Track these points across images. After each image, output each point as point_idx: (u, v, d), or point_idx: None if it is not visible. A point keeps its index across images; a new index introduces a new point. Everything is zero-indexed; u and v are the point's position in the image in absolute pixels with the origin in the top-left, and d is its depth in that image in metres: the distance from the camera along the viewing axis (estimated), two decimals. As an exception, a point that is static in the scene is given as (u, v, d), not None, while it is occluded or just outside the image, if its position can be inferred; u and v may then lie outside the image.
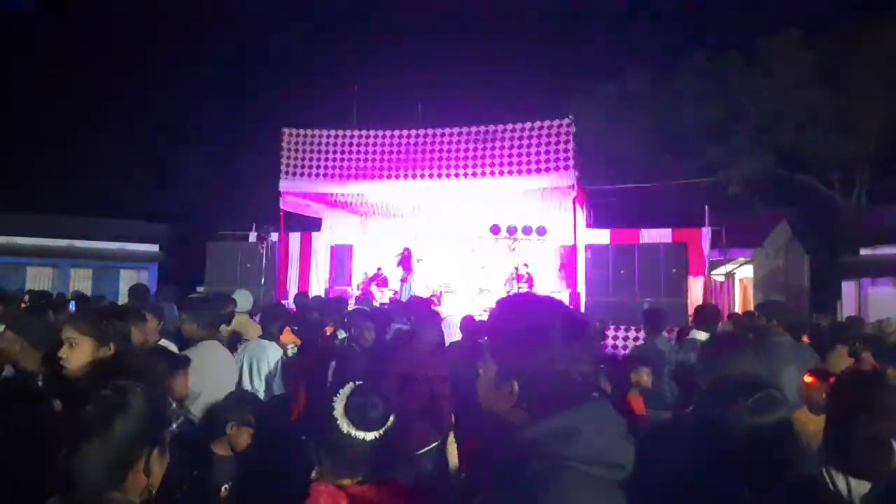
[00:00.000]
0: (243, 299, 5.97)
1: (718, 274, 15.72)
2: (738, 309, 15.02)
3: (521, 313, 1.34)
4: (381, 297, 14.00)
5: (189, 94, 23.68)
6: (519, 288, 12.90)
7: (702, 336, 4.62)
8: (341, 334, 5.86)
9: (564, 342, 1.26)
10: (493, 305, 1.41)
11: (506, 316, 1.36)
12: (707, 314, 4.86)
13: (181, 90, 23.78)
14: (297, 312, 7.86)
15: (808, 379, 3.42)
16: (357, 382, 1.60)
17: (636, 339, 9.16)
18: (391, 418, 1.61)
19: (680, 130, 19.31)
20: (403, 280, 13.44)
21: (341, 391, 1.58)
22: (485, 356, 1.34)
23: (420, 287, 13.95)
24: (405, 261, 13.50)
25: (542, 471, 1.18)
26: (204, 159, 22.70)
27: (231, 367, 3.85)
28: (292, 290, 13.50)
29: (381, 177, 11.65)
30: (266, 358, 4.47)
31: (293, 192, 12.28)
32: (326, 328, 5.73)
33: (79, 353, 2.34)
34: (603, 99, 20.40)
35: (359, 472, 1.60)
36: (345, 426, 1.56)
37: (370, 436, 1.58)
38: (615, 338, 9.81)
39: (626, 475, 1.22)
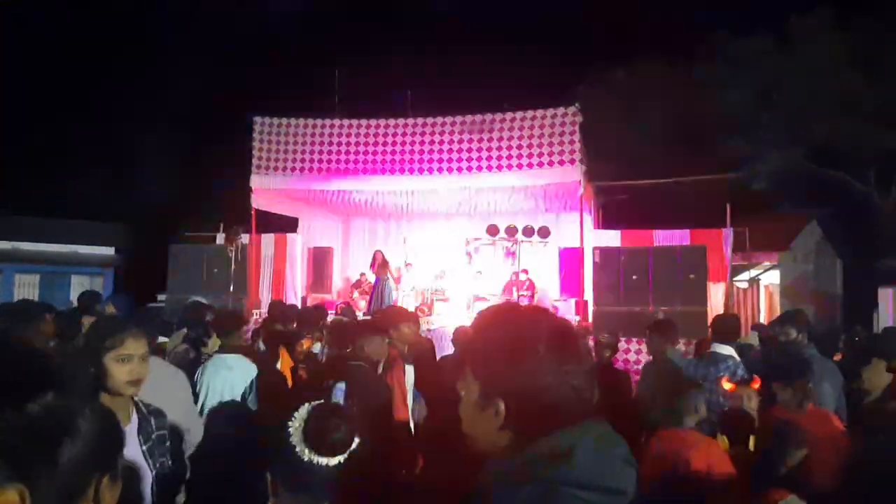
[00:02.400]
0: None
1: (741, 280, 15.78)
2: (763, 319, 15.06)
3: (502, 324, 1.33)
4: (365, 306, 13.97)
5: (148, 79, 23.61)
6: (519, 296, 12.91)
7: (724, 350, 4.62)
8: (316, 347, 5.85)
9: (552, 354, 1.25)
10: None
11: (486, 328, 1.36)
12: (727, 326, 4.85)
13: (139, 74, 23.71)
14: (267, 322, 7.85)
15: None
16: (314, 403, 1.57)
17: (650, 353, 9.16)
18: (356, 440, 1.57)
19: (699, 120, 19.35)
20: (374, 286, 13.41)
21: (297, 414, 1.55)
22: (465, 374, 1.32)
23: (408, 295, 13.93)
24: (377, 265, 13.49)
25: (532, 498, 1.17)
26: (166, 152, 22.60)
27: (178, 388, 3.79)
28: (265, 297, 13.44)
29: (365, 172, 11.65)
30: (229, 377, 4.36)
31: (266, 188, 12.25)
32: (303, 341, 5.71)
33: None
34: (613, 85, 20.46)
35: (323, 502, 1.57)
36: (305, 452, 1.53)
37: (334, 461, 1.56)
38: (626, 351, 9.80)
39: (628, 503, 1.20)
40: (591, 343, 6.34)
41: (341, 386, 3.66)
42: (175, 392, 3.27)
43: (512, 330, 1.31)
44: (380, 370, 4.11)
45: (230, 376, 4.28)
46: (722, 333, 4.77)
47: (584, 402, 1.26)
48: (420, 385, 4.66)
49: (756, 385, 3.93)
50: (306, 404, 1.60)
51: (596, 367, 5.77)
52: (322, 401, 1.62)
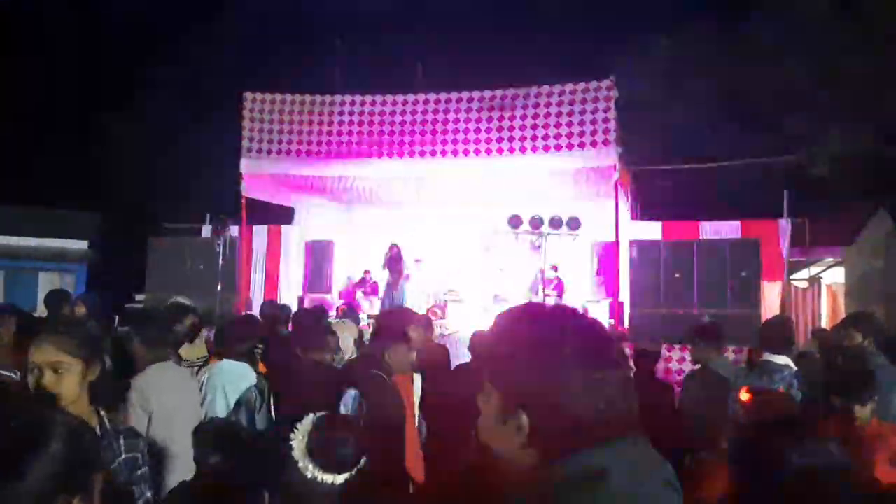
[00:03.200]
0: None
1: (800, 279, 15.67)
2: (825, 323, 14.94)
3: (525, 328, 1.33)
4: (370, 307, 14.04)
5: (125, 49, 23.69)
6: (546, 296, 12.90)
7: (779, 360, 4.61)
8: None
9: (581, 361, 1.25)
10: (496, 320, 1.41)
11: (506, 332, 1.36)
12: (776, 333, 4.82)
13: (115, 43, 23.81)
14: (263, 327, 7.92)
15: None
16: (319, 414, 1.59)
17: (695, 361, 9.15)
18: (364, 457, 1.59)
19: (752, 95, 19.20)
20: (391, 287, 13.47)
21: (300, 426, 1.57)
22: (484, 385, 1.33)
23: (418, 295, 13.97)
24: (393, 261, 13.53)
25: None
26: (145, 133, 22.71)
27: (191, 395, 3.92)
28: (257, 298, 13.53)
29: (370, 155, 11.68)
30: (237, 386, 4.41)
31: (257, 173, 12.32)
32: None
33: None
34: (654, 55, 20.33)
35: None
36: (308, 469, 1.56)
37: (340, 479, 1.57)
38: (667, 360, 9.78)
39: None
40: (627, 350, 6.34)
41: (353, 393, 3.68)
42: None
43: (535, 334, 1.31)
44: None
45: (236, 385, 4.39)
46: (771, 342, 4.76)
47: (618, 416, 1.25)
48: (432, 398, 4.69)
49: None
50: (311, 415, 1.61)
51: (634, 377, 5.79)
52: (327, 412, 1.64)
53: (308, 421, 1.61)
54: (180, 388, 3.81)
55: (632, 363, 5.78)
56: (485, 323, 11.52)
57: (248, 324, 5.37)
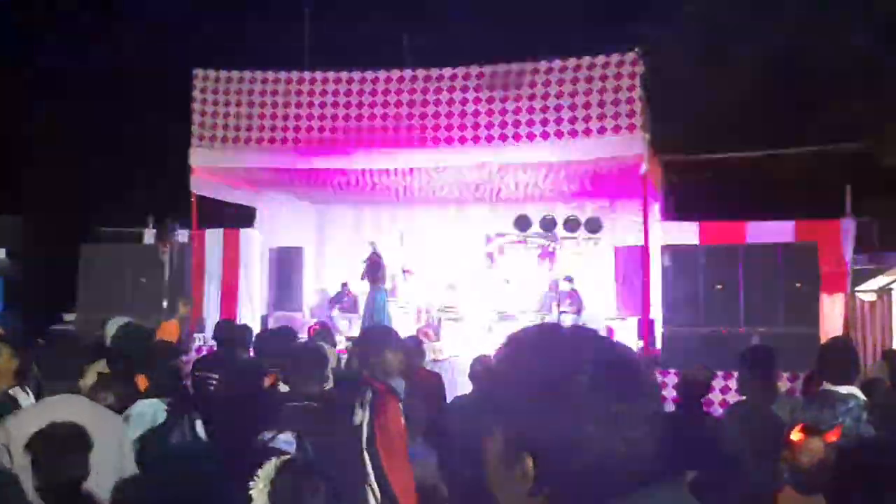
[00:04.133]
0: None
1: (867, 290, 15.65)
2: (896, 343, 14.96)
3: (533, 353, 1.33)
4: (349, 327, 14.02)
5: (49, 19, 23.65)
6: (560, 313, 12.91)
7: (844, 390, 4.61)
8: (284, 387, 5.86)
9: (598, 394, 1.24)
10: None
11: (512, 358, 1.36)
12: (835, 361, 4.82)
13: (36, 12, 23.77)
14: (216, 352, 7.91)
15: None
16: (283, 458, 1.58)
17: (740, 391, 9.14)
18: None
19: (806, 73, 19.27)
20: (370, 300, 13.44)
21: (261, 472, 1.56)
22: (486, 419, 1.34)
23: (407, 313, 13.95)
24: (372, 269, 13.50)
25: None
26: (74, 118, 22.65)
27: (108, 437, 3.85)
28: (212, 316, 13.50)
29: (347, 144, 11.68)
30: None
31: (211, 167, 12.33)
32: (266, 377, 5.74)
33: None
34: (688, 25, 20.40)
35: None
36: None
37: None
38: (713, 389, 9.77)
39: None
40: (658, 378, 6.34)
41: (286, 438, 3.67)
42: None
43: (544, 362, 1.30)
44: (359, 415, 4.13)
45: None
46: (831, 371, 4.75)
47: (645, 459, 1.24)
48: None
49: (833, 437, 3.94)
50: (273, 460, 1.61)
51: (678, 411, 5.79)
52: (290, 456, 1.63)
53: (270, 467, 1.60)
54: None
55: (674, 394, 5.76)
56: (488, 346, 11.56)
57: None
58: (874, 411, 4.46)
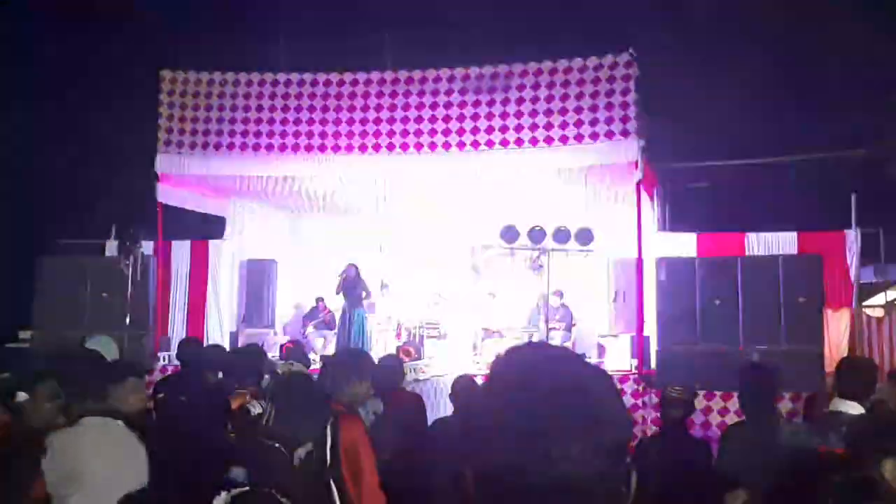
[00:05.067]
0: (105, 352, 5.96)
1: (873, 305, 15.73)
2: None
3: (495, 373, 1.37)
4: (324, 345, 13.97)
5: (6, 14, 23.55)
6: (549, 329, 12.90)
7: (852, 409, 4.60)
8: (255, 408, 5.83)
9: (530, 418, 1.25)
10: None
11: (491, 379, 1.39)
12: (858, 374, 4.82)
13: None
14: (181, 372, 7.86)
15: None
16: (238, 490, 1.56)
17: (740, 412, 9.13)
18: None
19: (810, 79, 19.40)
20: (344, 318, 13.41)
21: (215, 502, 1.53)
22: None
23: (385, 330, 13.92)
24: (349, 285, 13.46)
25: None
26: (32, 121, 22.55)
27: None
28: (177, 334, 13.43)
29: (322, 149, 11.68)
30: None
31: (178, 174, 12.29)
32: (234, 398, 5.72)
33: None
34: (686, 27, 20.51)
35: None
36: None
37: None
38: (706, 410, 9.78)
39: None
40: (654, 399, 6.33)
41: (240, 472, 3.65)
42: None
43: (495, 381, 1.35)
44: (330, 447, 4.13)
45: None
46: (850, 385, 4.74)
47: (589, 483, 1.24)
48: (399, 462, 4.66)
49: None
50: (223, 493, 1.58)
51: (660, 432, 5.76)
52: (248, 487, 1.60)
53: (221, 500, 1.57)
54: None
55: (657, 414, 5.74)
56: (473, 364, 11.53)
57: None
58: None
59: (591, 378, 1.33)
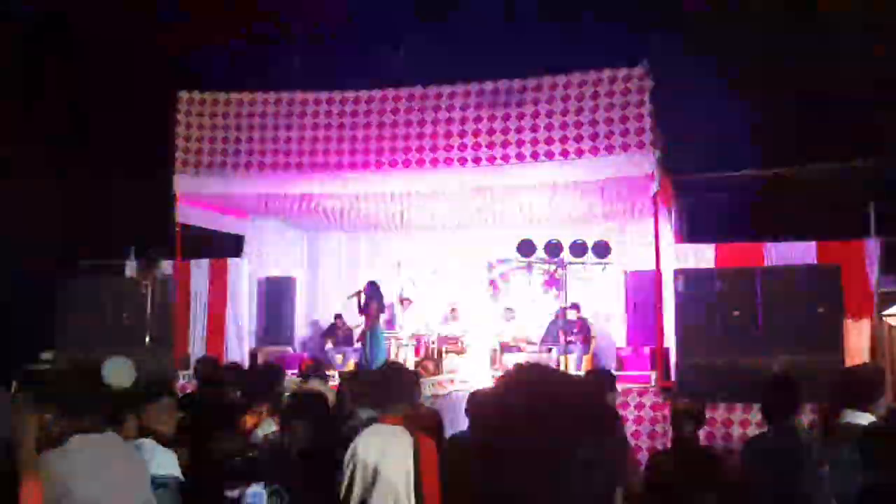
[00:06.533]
0: (119, 373, 6.01)
1: (894, 314, 15.61)
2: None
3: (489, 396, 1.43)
4: (343, 361, 13.99)
5: (19, 35, 23.70)
6: (567, 343, 12.88)
7: (864, 420, 4.57)
8: (269, 426, 5.85)
9: (496, 451, 1.28)
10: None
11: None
12: (860, 383, 4.80)
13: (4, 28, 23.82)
14: (198, 390, 7.91)
15: None
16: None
17: (761, 424, 9.06)
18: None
19: (827, 84, 19.30)
20: (362, 336, 13.43)
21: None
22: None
23: (405, 345, 13.93)
24: (369, 303, 13.48)
25: None
26: (49, 144, 22.68)
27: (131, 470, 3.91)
28: (197, 352, 13.47)
29: (339, 167, 11.70)
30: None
31: (196, 193, 12.36)
32: (246, 417, 5.74)
33: None
34: (701, 37, 20.47)
35: None
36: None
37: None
38: (727, 423, 9.73)
39: None
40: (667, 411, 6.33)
41: (258, 492, 3.66)
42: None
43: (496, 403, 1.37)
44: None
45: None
46: (853, 395, 4.73)
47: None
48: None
49: None
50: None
51: (672, 445, 5.75)
52: None
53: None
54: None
55: (669, 425, 5.73)
56: (492, 379, 11.53)
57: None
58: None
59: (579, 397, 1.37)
